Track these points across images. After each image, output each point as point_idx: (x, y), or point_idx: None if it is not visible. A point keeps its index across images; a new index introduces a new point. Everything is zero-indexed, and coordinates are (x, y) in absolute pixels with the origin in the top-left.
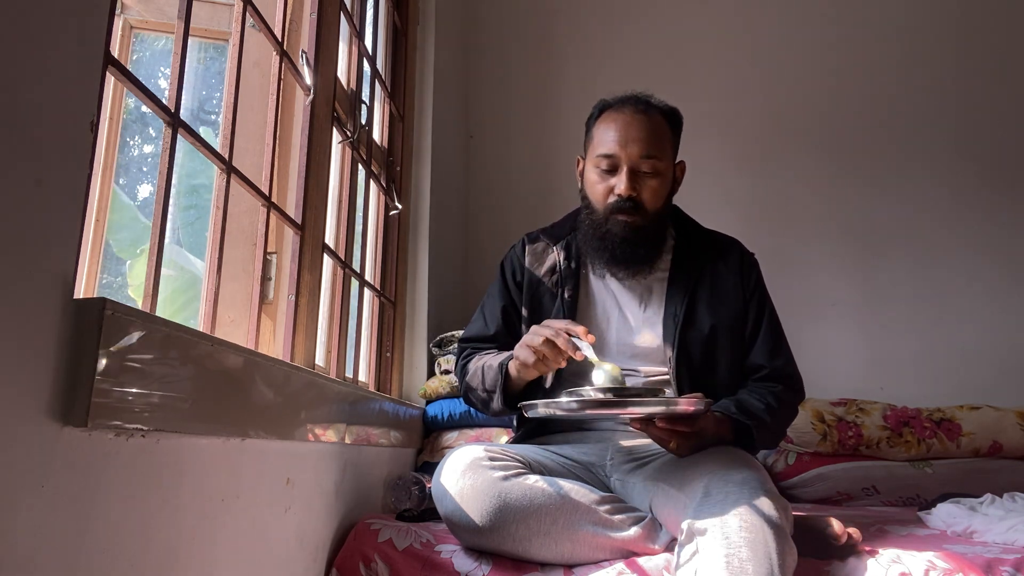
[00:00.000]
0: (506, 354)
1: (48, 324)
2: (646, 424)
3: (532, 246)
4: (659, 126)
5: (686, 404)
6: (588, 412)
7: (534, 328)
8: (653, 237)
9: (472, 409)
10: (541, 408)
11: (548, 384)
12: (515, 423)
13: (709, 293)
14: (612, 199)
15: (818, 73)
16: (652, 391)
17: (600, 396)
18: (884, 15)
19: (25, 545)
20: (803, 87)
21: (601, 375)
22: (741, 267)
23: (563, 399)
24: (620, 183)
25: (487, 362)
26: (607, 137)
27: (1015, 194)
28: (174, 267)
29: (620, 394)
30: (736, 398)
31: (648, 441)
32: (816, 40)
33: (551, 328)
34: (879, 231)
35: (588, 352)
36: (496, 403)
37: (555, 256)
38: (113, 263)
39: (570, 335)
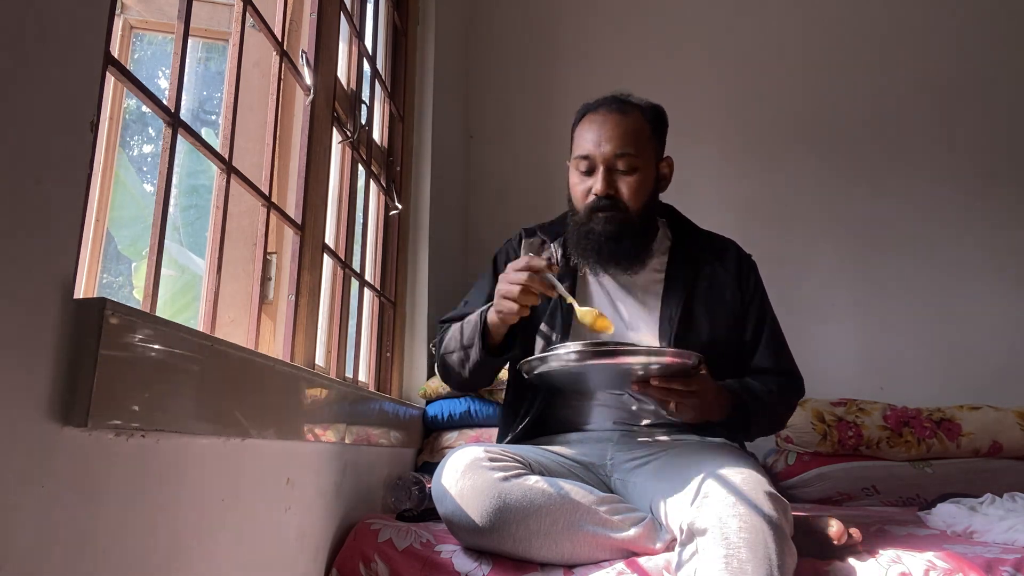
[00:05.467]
0: (484, 307)
1: (48, 324)
2: (644, 385)
3: (529, 240)
4: (635, 123)
5: (674, 355)
6: (585, 362)
7: (504, 277)
8: (639, 231)
9: (471, 408)
10: (536, 362)
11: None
12: (501, 421)
13: (706, 295)
14: (590, 199)
15: (817, 73)
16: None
17: (594, 348)
18: (882, 14)
19: (25, 545)
20: (802, 87)
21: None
22: (739, 269)
23: (560, 350)
24: (596, 183)
25: (464, 322)
26: (584, 139)
27: (1016, 193)
28: (176, 268)
29: (610, 345)
30: (739, 380)
31: (648, 441)
32: (815, 40)
33: (520, 274)
34: (879, 230)
35: (560, 290)
36: (474, 354)
37: (551, 252)
38: (116, 262)
39: (537, 271)
